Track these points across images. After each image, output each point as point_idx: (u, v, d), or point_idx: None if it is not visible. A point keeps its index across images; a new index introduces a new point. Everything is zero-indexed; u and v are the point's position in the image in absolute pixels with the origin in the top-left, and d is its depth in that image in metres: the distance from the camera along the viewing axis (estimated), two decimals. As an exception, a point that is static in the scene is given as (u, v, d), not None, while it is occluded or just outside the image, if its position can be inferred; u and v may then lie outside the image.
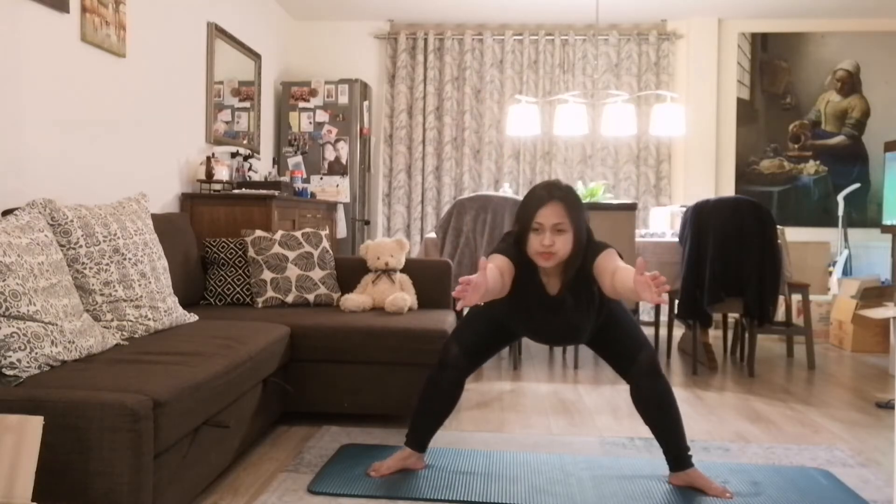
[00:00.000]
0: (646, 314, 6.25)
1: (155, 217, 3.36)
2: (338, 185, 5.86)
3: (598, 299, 2.44)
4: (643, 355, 2.43)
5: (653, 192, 6.25)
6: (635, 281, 1.97)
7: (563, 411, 3.43)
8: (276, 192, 4.30)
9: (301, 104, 5.90)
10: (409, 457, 2.56)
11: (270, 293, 3.54)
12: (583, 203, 2.36)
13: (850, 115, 6.31)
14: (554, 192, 2.29)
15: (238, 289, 3.63)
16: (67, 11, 3.08)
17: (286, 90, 5.92)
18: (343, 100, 5.88)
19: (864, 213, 6.28)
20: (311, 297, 3.59)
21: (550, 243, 2.26)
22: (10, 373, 1.95)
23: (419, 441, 2.57)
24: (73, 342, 2.17)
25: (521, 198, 4.46)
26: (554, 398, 3.68)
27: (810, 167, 6.34)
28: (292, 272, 3.58)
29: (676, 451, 2.45)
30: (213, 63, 4.59)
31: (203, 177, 4.26)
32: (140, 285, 2.65)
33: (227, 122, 4.91)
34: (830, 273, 5.94)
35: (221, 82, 4.79)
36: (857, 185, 6.25)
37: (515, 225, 2.37)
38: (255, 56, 5.38)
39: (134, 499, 1.80)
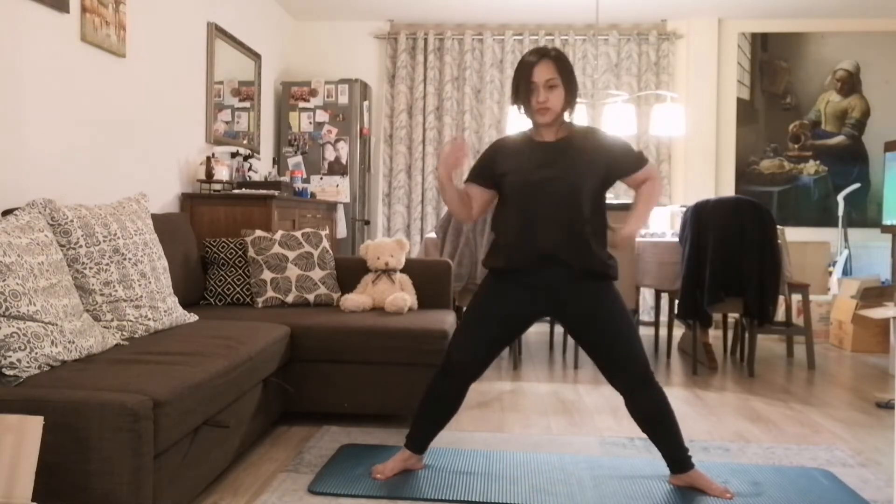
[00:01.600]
0: (646, 314, 6.26)
1: (155, 217, 3.36)
2: (338, 185, 5.86)
3: (606, 174, 2.45)
4: (636, 367, 2.38)
5: (653, 192, 6.24)
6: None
7: (563, 411, 3.43)
8: (276, 192, 4.30)
9: (301, 104, 5.90)
10: (409, 458, 2.56)
11: (270, 293, 3.54)
12: (571, 64, 2.45)
13: (850, 115, 6.31)
14: (543, 53, 2.41)
15: (238, 289, 3.63)
16: (67, 11, 3.08)
17: (286, 90, 5.92)
18: (343, 100, 5.88)
19: (864, 213, 6.28)
20: (311, 297, 3.59)
21: (545, 99, 2.38)
22: (10, 373, 1.95)
23: (419, 444, 2.57)
24: (73, 342, 2.17)
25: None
26: (554, 398, 3.68)
27: (810, 167, 6.34)
28: (292, 272, 3.58)
29: (676, 456, 2.44)
30: (213, 63, 4.59)
31: (203, 177, 4.26)
32: (140, 285, 2.65)
33: (227, 122, 4.91)
34: (830, 273, 5.94)
35: (221, 82, 4.79)
36: (857, 185, 6.25)
37: (512, 97, 2.48)
38: (255, 56, 5.38)
39: (134, 499, 1.80)
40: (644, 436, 3.05)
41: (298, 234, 3.69)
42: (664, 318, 5.96)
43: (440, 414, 2.53)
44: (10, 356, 1.94)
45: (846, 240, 6.12)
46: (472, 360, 2.47)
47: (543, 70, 2.38)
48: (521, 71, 2.42)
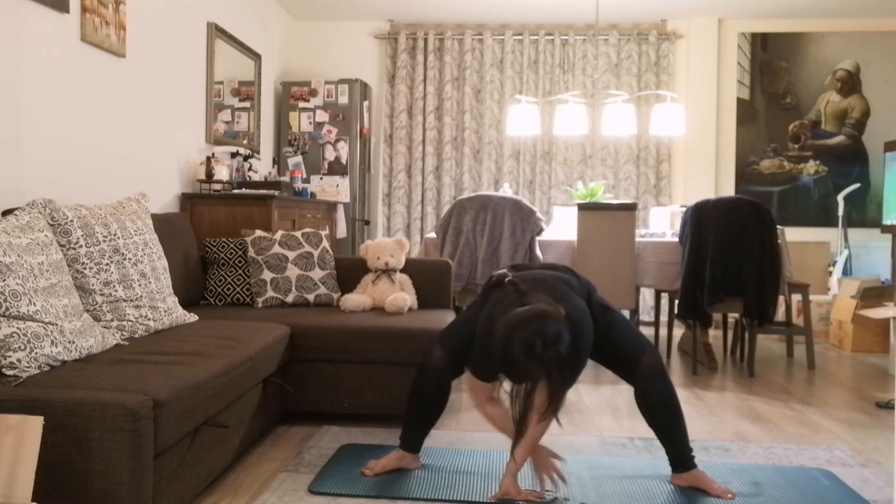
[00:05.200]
0: (646, 314, 6.25)
1: (155, 217, 3.36)
2: (338, 185, 5.86)
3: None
4: (648, 357, 2.42)
5: (653, 192, 6.25)
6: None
7: (563, 411, 3.43)
8: (276, 192, 4.30)
9: (301, 104, 5.90)
10: (403, 458, 2.56)
11: (270, 293, 3.54)
12: (558, 353, 2.11)
13: (850, 115, 6.31)
14: (536, 375, 2.13)
15: (238, 289, 3.62)
16: (67, 11, 3.08)
17: (286, 90, 5.92)
18: (343, 100, 5.88)
19: (864, 213, 6.28)
20: (311, 297, 3.58)
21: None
22: (10, 373, 1.95)
23: (412, 443, 2.56)
24: (73, 342, 2.17)
25: (520, 198, 4.46)
26: (554, 398, 3.68)
27: (810, 167, 6.34)
28: (292, 272, 3.58)
29: (680, 453, 2.44)
30: (213, 63, 4.59)
31: (203, 177, 4.26)
32: (140, 285, 2.65)
33: (227, 122, 4.91)
34: (830, 273, 5.94)
35: (221, 82, 4.79)
36: (857, 185, 6.25)
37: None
38: (255, 56, 5.38)
39: (134, 499, 1.80)
40: (644, 436, 3.05)
41: (298, 234, 3.69)
42: (664, 318, 5.96)
43: (427, 411, 2.53)
44: (10, 356, 1.94)
45: (846, 240, 6.12)
46: (456, 358, 2.48)
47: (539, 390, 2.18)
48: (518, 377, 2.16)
